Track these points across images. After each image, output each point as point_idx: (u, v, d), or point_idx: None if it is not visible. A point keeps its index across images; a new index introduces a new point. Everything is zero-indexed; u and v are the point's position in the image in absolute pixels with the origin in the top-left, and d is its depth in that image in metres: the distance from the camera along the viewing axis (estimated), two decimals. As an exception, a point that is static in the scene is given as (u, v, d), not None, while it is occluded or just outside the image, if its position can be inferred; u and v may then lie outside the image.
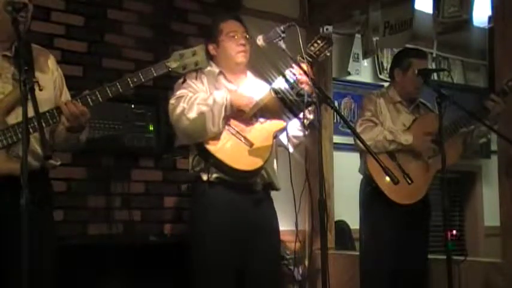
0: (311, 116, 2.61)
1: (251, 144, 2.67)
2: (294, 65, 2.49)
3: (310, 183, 2.35)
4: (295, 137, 2.85)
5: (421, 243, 3.48)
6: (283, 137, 2.84)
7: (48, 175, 2.34)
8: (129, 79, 2.21)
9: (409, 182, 2.47)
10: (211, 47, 2.84)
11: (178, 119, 2.65)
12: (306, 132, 2.75)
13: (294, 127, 2.79)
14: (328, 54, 2.66)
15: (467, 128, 3.42)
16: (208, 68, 2.78)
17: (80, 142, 2.37)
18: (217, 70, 2.82)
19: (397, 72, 3.55)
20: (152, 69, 2.24)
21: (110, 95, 2.19)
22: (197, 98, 2.64)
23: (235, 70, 2.85)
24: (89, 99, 2.17)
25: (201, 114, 2.59)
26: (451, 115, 3.20)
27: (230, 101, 2.63)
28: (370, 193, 3.44)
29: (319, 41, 2.62)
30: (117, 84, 2.20)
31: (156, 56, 3.88)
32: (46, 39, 3.49)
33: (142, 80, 2.22)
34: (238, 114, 2.68)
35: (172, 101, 2.70)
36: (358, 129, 3.37)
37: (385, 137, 3.35)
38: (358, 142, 3.35)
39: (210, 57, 2.83)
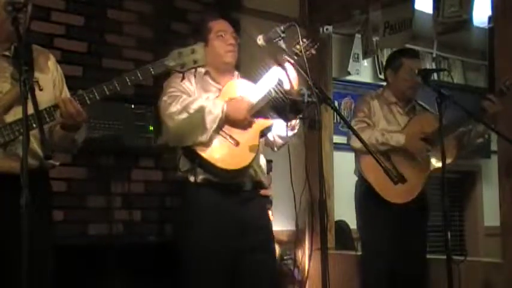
0: (295, 122, 2.62)
1: (237, 143, 2.66)
2: (290, 65, 2.48)
3: (310, 183, 2.35)
4: (280, 137, 2.86)
5: (418, 243, 3.47)
6: (270, 136, 2.84)
7: (47, 175, 2.34)
8: (126, 77, 2.20)
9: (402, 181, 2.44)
10: None
11: (169, 119, 2.63)
12: (292, 134, 2.74)
13: (280, 127, 2.78)
14: (314, 52, 2.65)
15: (465, 128, 3.41)
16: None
17: (75, 143, 2.34)
18: (203, 70, 2.77)
19: (389, 73, 3.55)
20: (150, 67, 2.23)
21: (107, 93, 2.17)
22: (193, 102, 2.62)
23: (222, 70, 2.83)
24: (86, 98, 2.16)
25: (193, 121, 2.58)
26: (448, 115, 3.19)
27: (226, 113, 2.62)
28: (364, 193, 3.45)
29: (304, 40, 2.62)
30: (115, 82, 2.18)
31: (156, 56, 3.84)
32: (46, 39, 3.49)
33: (140, 78, 2.21)
34: (232, 124, 2.68)
35: (164, 97, 2.68)
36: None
37: (377, 139, 3.34)
38: (353, 143, 3.35)
39: None
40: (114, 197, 3.74)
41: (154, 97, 3.79)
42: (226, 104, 2.64)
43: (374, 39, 4.58)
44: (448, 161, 3.29)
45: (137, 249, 3.53)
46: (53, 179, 2.41)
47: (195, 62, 2.26)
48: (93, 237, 3.61)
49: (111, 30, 3.85)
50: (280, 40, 2.46)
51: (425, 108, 3.60)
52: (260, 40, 2.58)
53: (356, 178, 3.59)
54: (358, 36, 5.08)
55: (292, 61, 2.44)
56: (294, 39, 2.58)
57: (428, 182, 3.45)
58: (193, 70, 2.31)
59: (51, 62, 2.37)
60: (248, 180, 2.75)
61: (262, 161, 2.84)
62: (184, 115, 2.59)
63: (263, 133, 2.75)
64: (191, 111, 2.59)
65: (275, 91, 2.57)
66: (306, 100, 2.33)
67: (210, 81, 2.80)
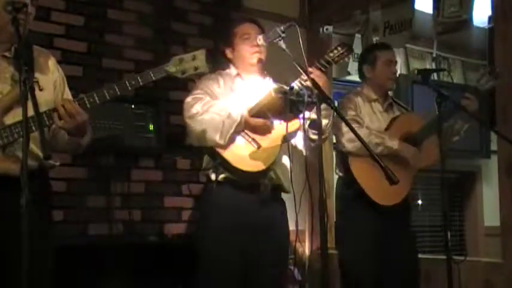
0: (313, 116, 2.60)
1: (259, 146, 2.68)
2: (299, 68, 2.48)
3: (310, 183, 2.34)
4: (312, 140, 2.84)
5: (408, 244, 3.41)
6: (299, 140, 2.84)
7: (47, 175, 2.34)
8: (127, 82, 2.21)
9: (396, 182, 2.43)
10: (227, 51, 2.89)
11: (190, 120, 2.68)
12: (323, 136, 2.72)
13: (311, 130, 2.78)
14: (347, 60, 2.67)
15: (449, 124, 3.35)
16: (227, 70, 2.87)
17: (80, 147, 2.36)
18: (234, 72, 2.87)
19: (366, 68, 3.52)
20: (151, 73, 2.23)
21: (108, 97, 2.19)
22: (214, 106, 2.66)
23: (251, 71, 2.87)
24: (87, 101, 2.17)
25: (212, 124, 2.61)
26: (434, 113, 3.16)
27: (245, 120, 2.64)
28: (351, 195, 3.35)
29: (339, 48, 2.65)
30: (115, 87, 2.19)
31: (156, 56, 3.89)
32: (46, 39, 3.49)
33: (141, 83, 2.22)
34: (252, 129, 2.69)
35: (188, 99, 2.73)
36: (344, 130, 3.28)
37: (371, 141, 3.24)
38: (344, 142, 3.31)
39: (228, 61, 2.90)
40: (114, 197, 3.74)
41: (154, 97, 3.84)
42: (246, 110, 2.66)
43: (374, 39, 4.58)
44: (432, 160, 3.27)
45: (137, 249, 3.53)
46: (53, 179, 2.42)
47: (196, 68, 2.27)
48: (93, 237, 3.61)
49: (111, 30, 3.84)
50: (280, 40, 2.47)
51: (403, 107, 3.60)
52: (260, 40, 2.59)
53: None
54: (358, 36, 5.07)
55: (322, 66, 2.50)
56: (328, 48, 2.61)
57: (415, 182, 3.44)
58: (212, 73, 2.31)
59: (52, 63, 2.37)
60: (268, 183, 2.76)
61: (286, 165, 2.81)
62: (204, 117, 2.63)
63: (286, 138, 2.74)
64: (211, 114, 2.63)
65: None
66: (306, 100, 2.34)
67: (240, 83, 2.84)
